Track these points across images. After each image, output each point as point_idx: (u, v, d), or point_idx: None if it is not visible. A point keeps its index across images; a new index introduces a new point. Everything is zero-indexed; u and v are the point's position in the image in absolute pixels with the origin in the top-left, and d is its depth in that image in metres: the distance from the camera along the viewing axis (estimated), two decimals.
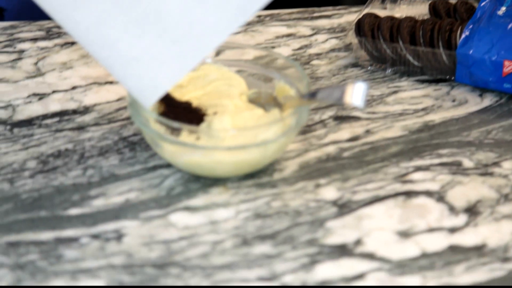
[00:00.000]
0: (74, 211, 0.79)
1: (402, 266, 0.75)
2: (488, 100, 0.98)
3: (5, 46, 1.05)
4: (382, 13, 1.08)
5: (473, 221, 0.80)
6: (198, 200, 0.81)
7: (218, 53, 0.93)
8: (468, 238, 0.79)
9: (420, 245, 0.77)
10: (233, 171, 0.83)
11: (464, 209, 0.82)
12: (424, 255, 0.76)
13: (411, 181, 0.85)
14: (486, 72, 0.97)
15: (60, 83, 0.98)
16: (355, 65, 1.04)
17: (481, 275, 0.75)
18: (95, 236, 0.76)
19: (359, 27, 1.03)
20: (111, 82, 0.98)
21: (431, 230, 0.79)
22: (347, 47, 1.07)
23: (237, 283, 0.72)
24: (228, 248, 0.76)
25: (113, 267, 0.73)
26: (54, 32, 1.08)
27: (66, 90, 0.97)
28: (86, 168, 0.84)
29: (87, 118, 0.92)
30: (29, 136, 0.89)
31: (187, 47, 0.79)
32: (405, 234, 0.78)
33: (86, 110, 0.93)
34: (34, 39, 1.06)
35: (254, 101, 0.88)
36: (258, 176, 0.84)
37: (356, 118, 0.94)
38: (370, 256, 0.76)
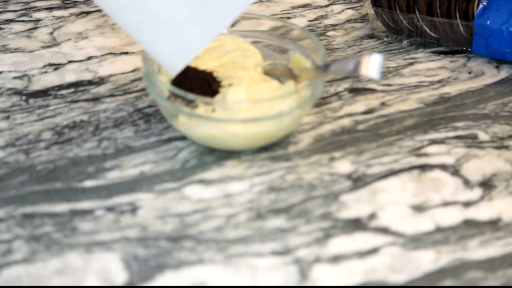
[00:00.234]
0: (89, 183, 0.79)
1: (416, 241, 0.75)
2: (505, 72, 0.98)
3: (21, 15, 1.05)
4: None
5: (488, 195, 0.80)
6: (213, 173, 0.81)
7: (233, 24, 0.92)
8: (482, 212, 0.78)
9: (435, 219, 0.77)
10: (247, 144, 0.83)
11: (479, 183, 0.82)
12: (438, 230, 0.76)
13: (426, 155, 0.84)
14: (503, 43, 0.96)
15: (75, 53, 0.98)
16: (371, 36, 1.04)
17: (496, 249, 0.75)
18: (110, 209, 0.76)
19: None
20: (126, 53, 0.98)
21: (446, 204, 0.79)
22: (363, 18, 1.07)
23: (251, 256, 0.72)
24: (242, 221, 0.76)
25: (128, 240, 0.73)
26: (70, 1, 1.08)
27: (81, 61, 0.97)
28: (101, 139, 0.84)
29: (102, 89, 0.92)
30: (44, 106, 0.89)
31: (217, 7, 0.79)
32: (419, 208, 0.78)
33: (101, 81, 0.93)
34: (50, 8, 1.06)
35: (269, 72, 0.88)
36: (272, 149, 0.84)
37: (372, 90, 0.93)
38: (384, 230, 0.76)
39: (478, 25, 0.97)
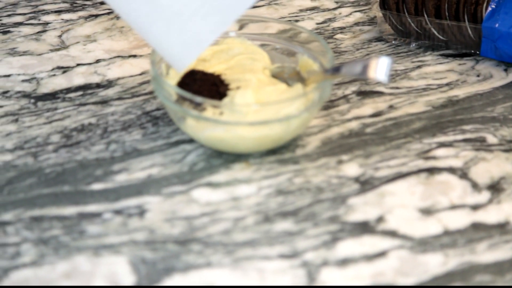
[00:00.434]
0: (97, 186, 0.79)
1: (424, 244, 0.75)
2: None
3: (30, 18, 1.05)
4: None
5: (496, 198, 0.80)
6: (220, 176, 0.81)
7: (241, 26, 0.92)
8: (491, 215, 0.78)
9: (443, 222, 0.77)
10: (255, 147, 0.83)
11: (487, 186, 0.81)
12: (446, 233, 0.76)
13: (434, 158, 0.84)
14: (511, 46, 0.96)
15: (84, 56, 0.98)
16: (379, 39, 1.04)
17: (504, 253, 0.75)
18: (118, 212, 0.76)
19: (384, 1, 1.02)
20: (134, 56, 0.98)
21: (454, 207, 0.79)
22: (371, 21, 1.07)
23: (259, 260, 0.72)
24: (249, 224, 0.76)
25: (136, 243, 0.73)
26: (79, 4, 1.08)
27: (89, 64, 0.97)
28: (109, 142, 0.85)
29: (110, 92, 0.92)
30: (53, 109, 0.89)
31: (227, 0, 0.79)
32: (427, 211, 0.78)
33: (109, 84, 0.94)
34: (59, 11, 1.07)
35: (277, 75, 0.88)
36: (280, 152, 0.84)
37: (380, 93, 0.93)
38: (392, 234, 0.76)
39: (487, 28, 0.97)
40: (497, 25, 0.96)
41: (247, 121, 0.80)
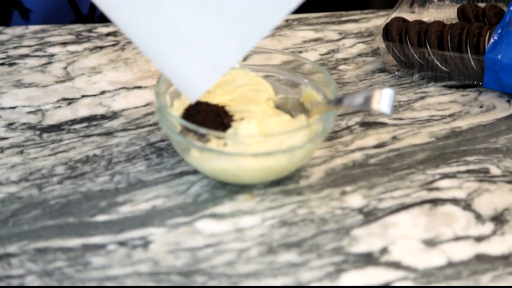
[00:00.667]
0: (101, 218, 0.79)
1: (428, 276, 0.75)
2: None
3: (35, 50, 1.06)
4: (410, 17, 1.07)
5: (499, 230, 0.80)
6: (224, 207, 0.81)
7: (245, 58, 0.93)
8: (494, 247, 0.78)
9: (446, 254, 0.77)
10: (259, 178, 0.83)
11: (491, 217, 0.81)
12: (450, 264, 0.76)
13: (437, 189, 0.84)
14: None
15: (89, 88, 0.99)
16: (382, 70, 1.04)
17: (508, 284, 0.75)
18: (122, 243, 0.77)
19: (387, 32, 1.02)
20: (139, 87, 0.99)
21: (458, 238, 0.79)
22: (375, 52, 1.07)
23: None
24: (253, 256, 0.76)
25: (140, 275, 0.73)
26: (84, 36, 1.09)
27: (94, 95, 0.98)
28: (113, 174, 0.85)
29: (115, 123, 0.93)
30: (58, 141, 0.90)
31: (248, 25, 0.79)
32: (431, 243, 0.78)
33: (114, 115, 0.94)
34: (64, 43, 1.07)
35: (281, 106, 0.89)
36: (284, 183, 0.84)
37: (383, 124, 0.94)
38: (396, 265, 0.76)
39: (489, 59, 0.97)
40: (499, 57, 0.97)
41: (251, 152, 0.80)
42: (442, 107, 0.98)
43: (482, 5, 1.08)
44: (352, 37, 1.11)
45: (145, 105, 0.96)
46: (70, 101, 0.96)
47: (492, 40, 0.98)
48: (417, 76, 1.03)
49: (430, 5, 1.12)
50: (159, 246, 0.76)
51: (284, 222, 0.80)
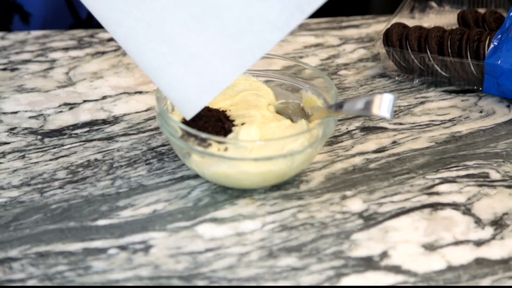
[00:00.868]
0: (102, 222, 0.80)
1: (428, 280, 0.75)
2: None
3: (38, 56, 1.06)
4: (410, 22, 1.08)
5: (499, 234, 0.80)
6: (225, 212, 0.81)
7: None
8: (494, 251, 0.79)
9: (446, 258, 0.77)
10: (259, 182, 0.83)
11: (490, 221, 0.82)
12: (450, 268, 0.76)
13: (437, 193, 0.85)
14: None
15: (90, 93, 0.99)
16: (382, 75, 1.05)
17: None
18: (123, 248, 0.77)
19: (387, 37, 1.03)
20: (140, 92, 0.99)
21: (457, 243, 0.79)
22: (375, 57, 1.08)
23: None
24: (254, 260, 0.76)
25: (140, 279, 0.74)
26: (85, 42, 1.09)
27: (96, 100, 0.98)
28: (114, 178, 0.85)
29: (116, 128, 0.93)
30: (59, 146, 0.90)
31: (246, 43, 0.79)
32: (431, 247, 0.78)
33: (115, 120, 0.94)
34: (66, 49, 1.08)
35: (281, 111, 0.89)
36: (284, 187, 0.85)
37: (383, 129, 0.94)
38: (395, 269, 0.76)
39: (489, 64, 0.98)
40: (499, 62, 0.97)
41: (252, 157, 0.81)
42: (442, 112, 0.98)
43: (482, 10, 1.09)
44: (353, 42, 1.11)
45: (146, 110, 0.96)
46: (71, 106, 0.97)
47: (492, 46, 0.98)
48: (417, 81, 1.03)
49: (430, 10, 1.12)
50: (160, 250, 0.77)
51: (285, 227, 0.80)
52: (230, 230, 0.79)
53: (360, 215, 0.82)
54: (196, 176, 0.86)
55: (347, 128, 0.94)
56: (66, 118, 0.95)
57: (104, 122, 0.94)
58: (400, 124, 0.95)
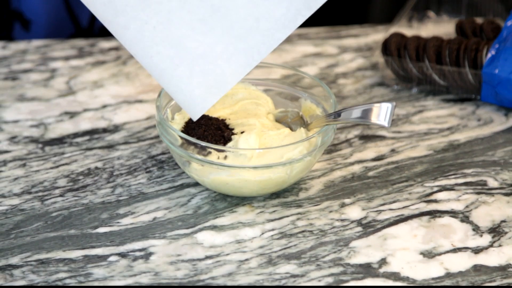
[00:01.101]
0: (102, 230, 0.80)
1: (426, 286, 0.76)
2: None
3: (38, 65, 1.07)
4: (408, 32, 1.09)
5: (497, 242, 0.81)
6: (225, 219, 0.82)
7: None
8: (492, 258, 0.79)
9: (444, 265, 0.78)
10: (259, 190, 0.84)
11: (488, 229, 0.82)
12: (448, 275, 0.77)
13: (435, 201, 0.85)
14: (511, 91, 0.97)
15: (91, 102, 1.00)
16: (381, 84, 1.05)
17: None
18: (123, 255, 0.77)
19: (386, 47, 1.03)
20: (140, 101, 1.00)
21: (455, 250, 0.80)
22: (374, 66, 1.08)
23: None
24: (253, 267, 0.77)
25: (141, 286, 0.74)
26: (86, 51, 1.10)
27: (96, 109, 0.99)
28: (115, 186, 0.86)
29: (116, 136, 0.94)
30: (60, 154, 0.91)
31: (253, 42, 0.80)
32: (429, 254, 0.79)
33: (115, 128, 0.95)
34: (66, 58, 1.08)
35: (280, 120, 0.90)
36: (283, 195, 0.85)
37: (382, 137, 0.95)
38: (394, 276, 0.76)
39: (487, 73, 0.98)
40: (497, 71, 0.98)
41: (251, 165, 0.81)
42: (440, 120, 0.98)
43: (479, 20, 1.09)
44: (351, 51, 1.12)
45: (146, 119, 0.97)
46: (72, 114, 0.97)
47: (489, 55, 0.99)
48: (415, 90, 1.04)
49: (429, 20, 1.13)
50: (160, 257, 0.77)
51: (284, 234, 0.81)
52: (229, 238, 0.80)
53: (359, 222, 0.82)
54: (196, 184, 0.86)
55: (346, 137, 0.95)
56: (67, 127, 0.95)
57: (105, 130, 0.95)
58: (399, 132, 0.96)
